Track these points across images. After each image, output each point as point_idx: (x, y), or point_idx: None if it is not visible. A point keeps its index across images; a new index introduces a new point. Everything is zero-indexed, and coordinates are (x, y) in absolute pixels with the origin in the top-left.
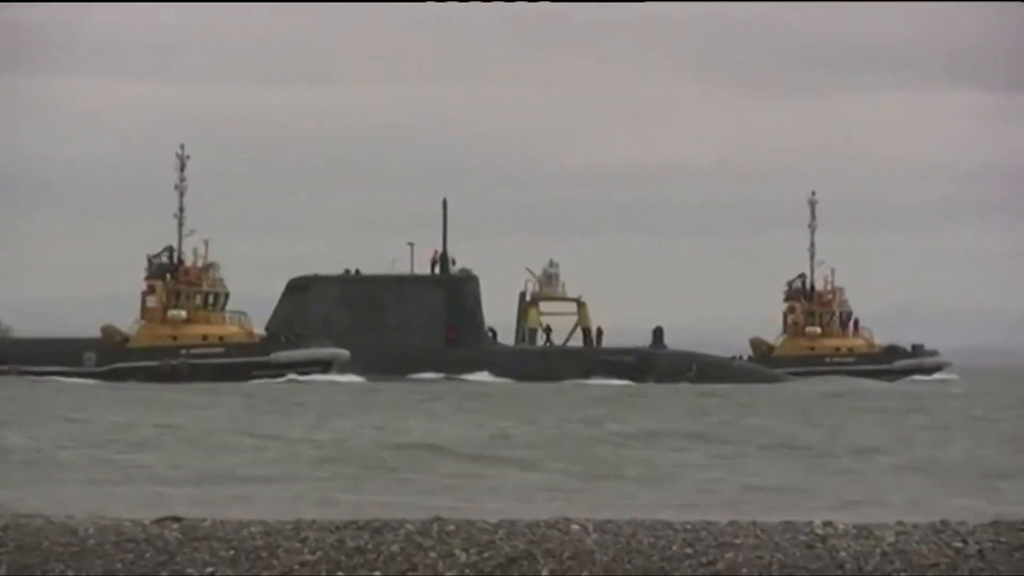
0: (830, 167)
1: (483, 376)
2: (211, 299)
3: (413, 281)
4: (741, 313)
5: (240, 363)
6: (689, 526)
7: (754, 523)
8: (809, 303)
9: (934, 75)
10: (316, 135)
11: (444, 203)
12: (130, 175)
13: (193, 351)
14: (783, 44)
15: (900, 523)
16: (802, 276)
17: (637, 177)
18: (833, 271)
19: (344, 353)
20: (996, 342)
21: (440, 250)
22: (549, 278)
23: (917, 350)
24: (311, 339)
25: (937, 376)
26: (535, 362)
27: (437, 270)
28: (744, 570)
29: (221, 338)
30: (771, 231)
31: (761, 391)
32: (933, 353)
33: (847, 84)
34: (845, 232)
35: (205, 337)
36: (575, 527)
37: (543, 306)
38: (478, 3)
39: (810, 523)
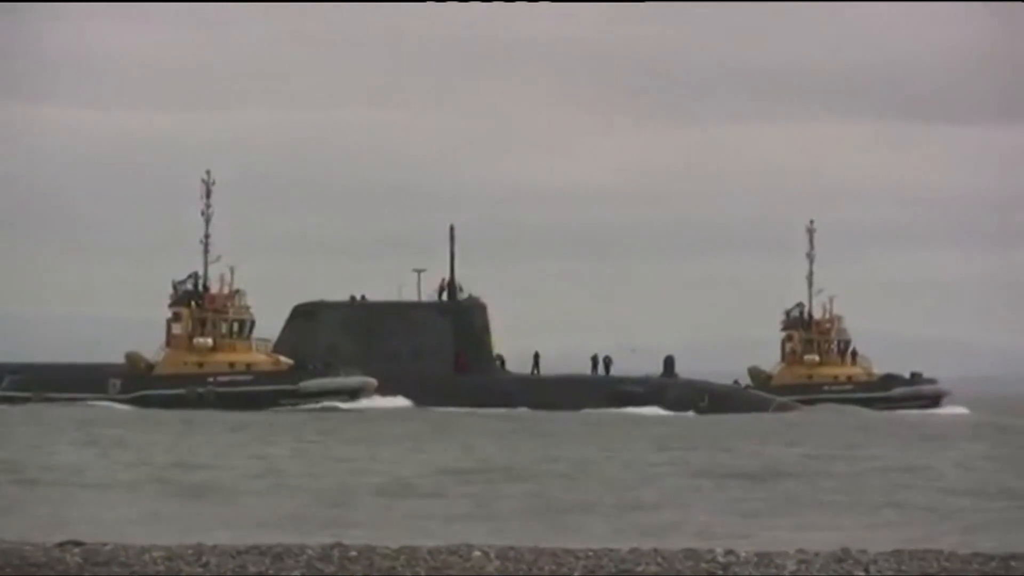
0: (731, 192)
1: (497, 409)
2: (237, 327)
3: (420, 308)
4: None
5: (268, 391)
6: (591, 553)
7: (655, 550)
8: (807, 332)
9: (837, 103)
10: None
11: (451, 229)
12: (147, 202)
13: (220, 379)
14: (687, 71)
15: (801, 551)
16: (800, 305)
17: (539, 201)
18: (832, 300)
19: (372, 381)
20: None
21: (447, 277)
22: None
23: (915, 378)
24: (338, 367)
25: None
26: (548, 391)
27: (444, 297)
28: None
29: (248, 366)
30: (664, 257)
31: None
32: (932, 381)
33: (747, 112)
34: (750, 255)
35: (232, 365)
36: (477, 553)
37: None
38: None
39: (712, 551)
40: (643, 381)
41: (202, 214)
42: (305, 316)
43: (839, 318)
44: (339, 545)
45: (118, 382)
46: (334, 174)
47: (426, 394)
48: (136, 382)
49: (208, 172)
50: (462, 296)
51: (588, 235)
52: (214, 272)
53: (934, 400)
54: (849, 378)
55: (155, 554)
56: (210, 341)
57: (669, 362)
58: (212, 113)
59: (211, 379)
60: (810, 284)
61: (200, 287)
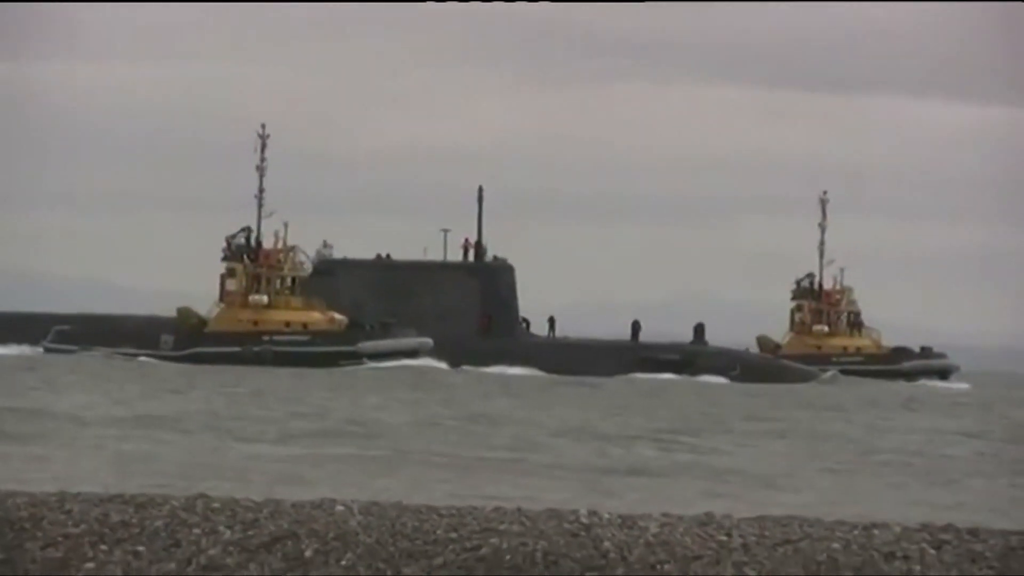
0: (594, 156)
1: (519, 370)
2: (292, 283)
3: (446, 268)
4: None
5: (326, 352)
6: (454, 511)
7: (519, 510)
8: (817, 302)
9: (712, 70)
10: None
11: (480, 190)
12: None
13: (276, 338)
14: (569, 34)
15: (665, 514)
16: (810, 275)
17: (409, 160)
18: (843, 271)
19: (428, 342)
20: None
21: (473, 238)
22: None
23: (925, 352)
24: (395, 327)
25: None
26: (574, 356)
27: (471, 258)
28: (507, 556)
29: (305, 325)
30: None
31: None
32: (941, 355)
33: (630, 75)
34: (630, 224)
35: (288, 324)
36: (340, 508)
37: None
38: None
39: (575, 512)
40: (672, 348)
41: (256, 168)
42: (326, 273)
43: (849, 289)
44: (202, 496)
45: (170, 338)
46: (361, 134)
47: (450, 356)
48: (189, 339)
49: (263, 126)
50: (487, 258)
51: (608, 200)
52: (267, 228)
53: (943, 374)
54: (859, 349)
55: (19, 500)
56: (265, 298)
57: (699, 329)
58: (258, 68)
59: (267, 338)
60: (821, 254)
61: (253, 242)
